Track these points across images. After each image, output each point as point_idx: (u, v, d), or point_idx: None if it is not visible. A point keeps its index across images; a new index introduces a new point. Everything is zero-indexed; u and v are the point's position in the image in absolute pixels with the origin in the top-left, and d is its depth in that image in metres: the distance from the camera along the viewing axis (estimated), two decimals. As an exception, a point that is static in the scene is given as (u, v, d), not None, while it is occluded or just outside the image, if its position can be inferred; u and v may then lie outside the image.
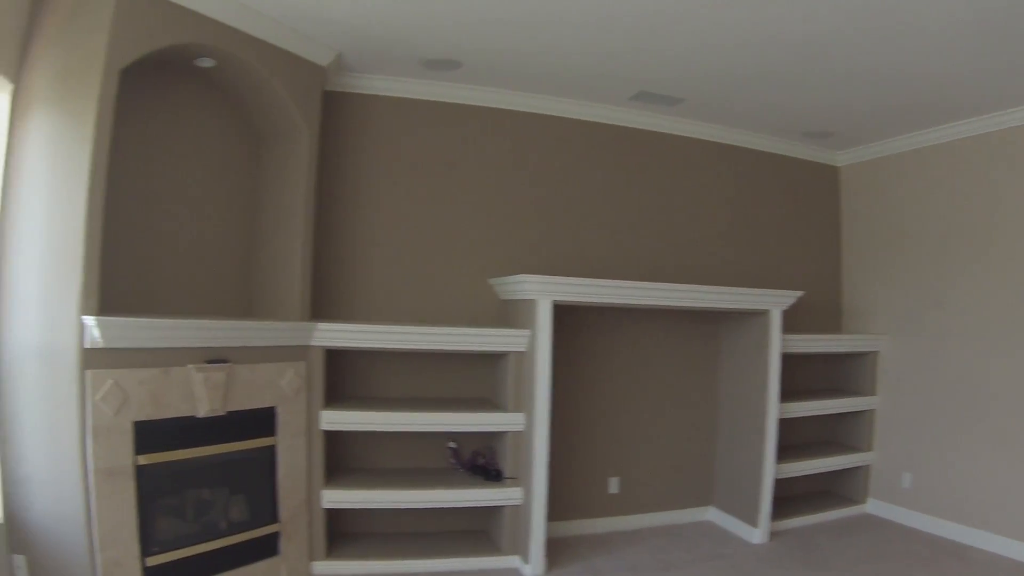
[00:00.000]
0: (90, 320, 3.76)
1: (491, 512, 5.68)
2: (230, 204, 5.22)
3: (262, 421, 4.74)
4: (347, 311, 5.65)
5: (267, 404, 4.76)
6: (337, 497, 5.10)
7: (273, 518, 4.81)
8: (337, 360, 5.42)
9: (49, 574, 3.90)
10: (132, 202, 4.64)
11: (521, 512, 5.38)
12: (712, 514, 6.73)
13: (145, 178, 4.76)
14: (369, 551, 5.29)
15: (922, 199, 6.68)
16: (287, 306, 5.04)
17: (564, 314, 5.74)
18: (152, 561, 4.07)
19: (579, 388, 6.20)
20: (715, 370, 6.79)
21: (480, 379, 5.94)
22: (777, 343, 6.07)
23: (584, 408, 6.25)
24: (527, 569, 5.27)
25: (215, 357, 4.41)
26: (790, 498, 6.84)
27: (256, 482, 4.78)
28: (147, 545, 4.05)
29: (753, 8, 4.28)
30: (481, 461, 5.62)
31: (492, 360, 5.87)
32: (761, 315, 6.14)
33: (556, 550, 5.64)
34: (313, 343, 5.04)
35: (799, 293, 6.18)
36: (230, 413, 4.51)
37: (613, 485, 6.37)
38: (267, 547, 4.77)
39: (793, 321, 6.42)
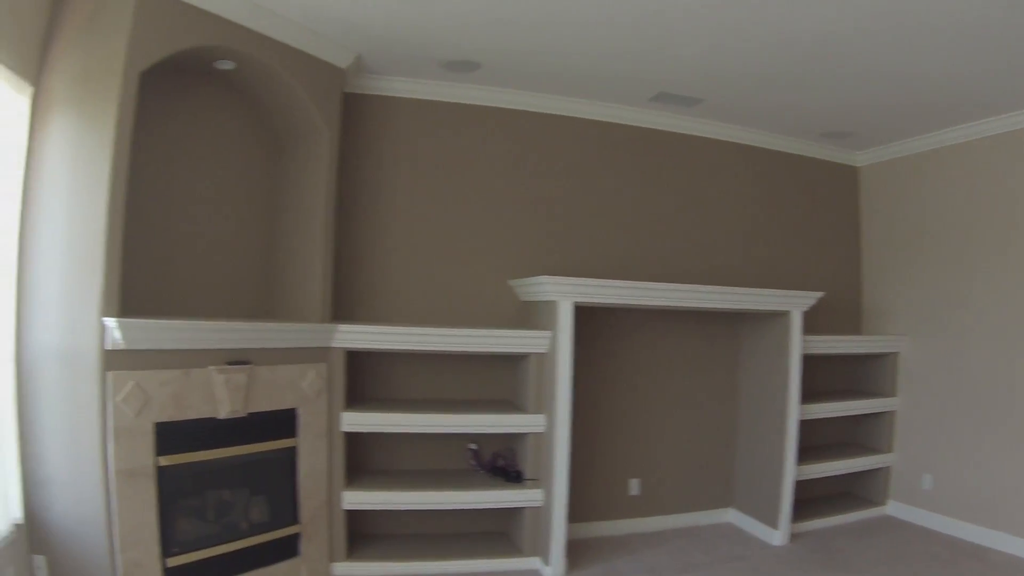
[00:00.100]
0: (111, 322, 3.73)
1: (511, 514, 5.61)
2: (250, 206, 5.19)
3: (283, 422, 4.69)
4: (367, 312, 5.59)
5: (288, 405, 4.70)
6: (358, 498, 5.05)
7: (294, 519, 4.75)
8: (358, 361, 5.36)
9: (69, 575, 3.86)
10: (152, 204, 4.62)
11: (541, 514, 5.31)
12: (732, 516, 6.62)
13: (165, 180, 4.74)
14: (389, 552, 5.23)
15: (941, 199, 6.56)
16: (307, 308, 4.99)
17: (584, 315, 5.65)
18: (173, 562, 4.04)
19: (599, 389, 6.12)
20: (735, 371, 6.68)
21: (501, 380, 5.87)
22: (797, 344, 5.97)
23: (604, 409, 6.16)
24: (548, 571, 5.20)
25: (236, 358, 4.37)
26: (810, 500, 6.72)
27: (277, 483, 4.72)
28: (168, 546, 4.03)
29: (772, 8, 4.20)
30: (501, 463, 5.55)
31: (513, 361, 5.80)
32: (781, 316, 6.04)
33: (576, 552, 5.56)
34: (334, 344, 4.98)
35: (819, 294, 6.07)
36: (251, 414, 4.46)
37: (633, 487, 6.28)
38: (287, 548, 4.72)
39: (813, 322, 6.29)
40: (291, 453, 4.75)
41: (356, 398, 5.36)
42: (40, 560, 3.90)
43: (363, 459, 5.47)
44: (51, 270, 3.93)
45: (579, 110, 6.14)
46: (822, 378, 6.94)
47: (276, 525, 4.67)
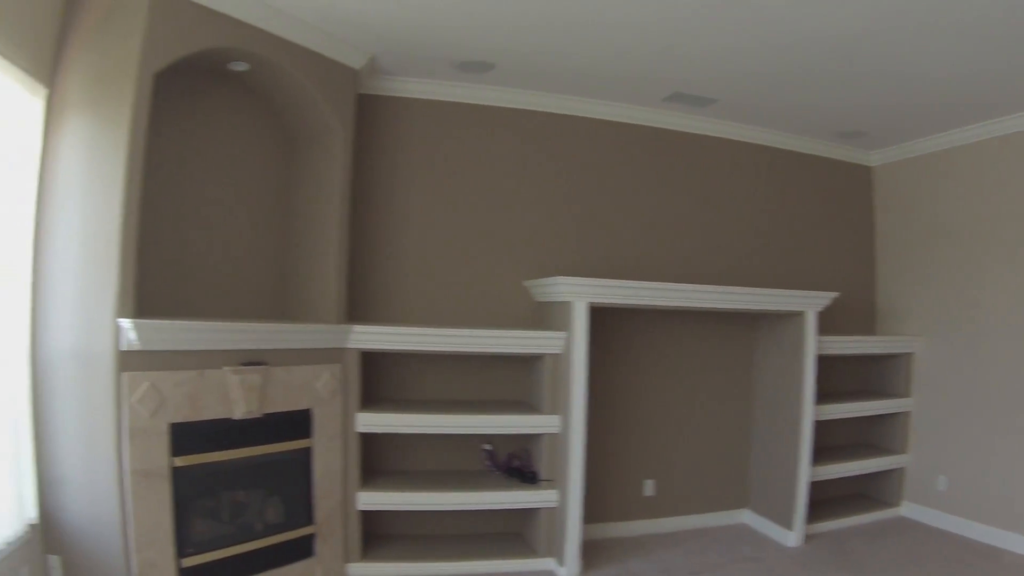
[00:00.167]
0: (126, 323, 3.70)
1: (526, 514, 5.54)
2: (264, 207, 5.15)
3: (298, 423, 4.65)
4: (382, 313, 5.54)
5: (303, 406, 4.66)
6: (373, 499, 5.00)
7: (309, 520, 4.70)
8: (373, 362, 5.31)
9: (84, 575, 3.84)
10: (166, 205, 4.58)
11: (556, 514, 5.25)
12: (747, 517, 6.54)
13: (179, 181, 4.70)
14: (404, 553, 5.18)
15: (956, 199, 6.45)
16: (322, 308, 4.95)
17: (599, 316, 5.58)
18: (188, 562, 4.02)
19: (614, 390, 6.05)
20: (750, 372, 6.60)
21: (516, 381, 5.81)
22: (812, 345, 5.88)
23: (619, 410, 6.09)
24: (562, 572, 5.14)
25: (251, 359, 4.33)
26: (825, 501, 6.63)
27: (292, 484, 4.68)
28: (183, 546, 4.00)
29: (786, 8, 4.14)
30: (516, 463, 5.49)
31: (528, 362, 5.74)
32: (796, 316, 5.96)
33: (591, 552, 5.49)
34: (349, 345, 4.93)
35: (834, 294, 5.98)
36: (266, 415, 4.42)
37: (648, 487, 6.20)
38: (302, 549, 4.67)
39: (827, 322, 6.19)
40: (306, 454, 4.70)
41: (371, 399, 5.30)
42: (55, 560, 3.87)
43: (378, 460, 5.41)
44: (66, 271, 3.90)
45: (593, 110, 6.07)
46: (836, 379, 6.83)
47: (291, 526, 4.63)
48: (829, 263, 7.08)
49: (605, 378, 5.91)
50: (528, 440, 5.58)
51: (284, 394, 4.53)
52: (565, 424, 5.19)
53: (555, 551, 5.26)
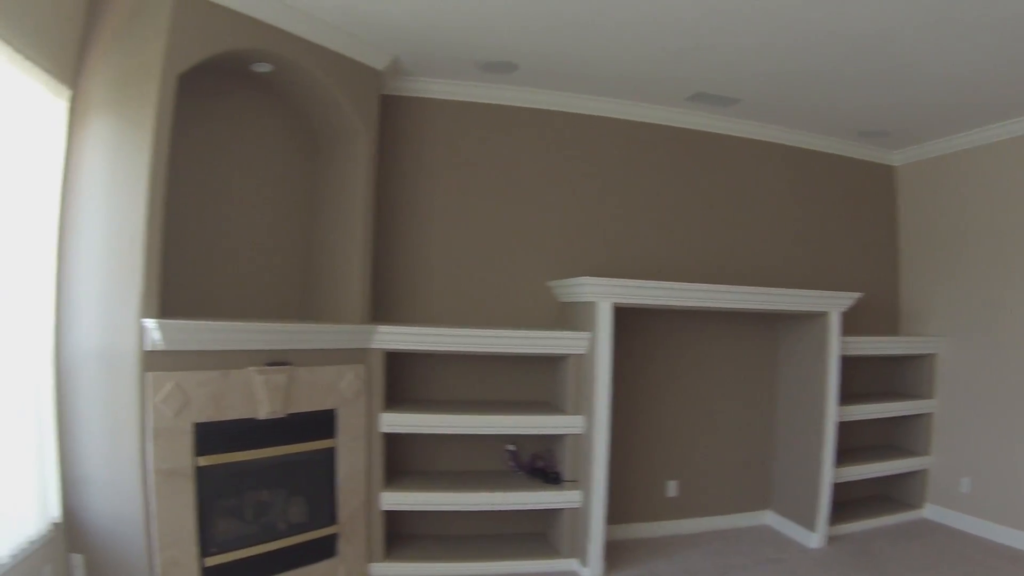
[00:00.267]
0: (150, 323, 3.65)
1: (550, 515, 5.45)
2: (288, 207, 5.09)
3: (322, 423, 4.58)
4: (406, 313, 5.47)
5: (327, 406, 4.59)
6: (396, 499, 4.92)
7: (332, 520, 4.63)
8: (396, 362, 5.23)
9: (107, 573, 3.80)
10: (190, 206, 4.53)
11: (580, 515, 5.15)
12: (770, 518, 6.39)
13: (203, 182, 4.64)
14: (427, 553, 5.10)
15: (980, 198, 6.27)
16: (346, 309, 4.87)
17: (623, 316, 5.48)
18: (211, 561, 3.97)
19: (638, 390, 5.93)
20: (773, 372, 6.45)
21: (539, 382, 5.71)
22: (836, 345, 5.74)
23: (643, 410, 5.98)
24: (586, 572, 5.04)
25: (275, 359, 4.26)
26: (848, 502, 6.47)
27: (315, 484, 4.60)
28: (206, 546, 3.95)
29: (809, 7, 4.05)
30: (540, 464, 5.39)
31: (551, 363, 5.64)
32: (820, 317, 5.82)
33: (615, 553, 5.39)
34: (373, 346, 4.86)
35: (858, 295, 5.83)
36: (290, 415, 4.36)
37: (671, 488, 6.08)
38: (325, 548, 4.60)
39: (851, 323, 6.03)
40: (330, 454, 4.63)
41: (395, 399, 5.22)
42: (78, 559, 3.83)
43: (402, 460, 5.33)
44: (90, 272, 3.85)
45: (616, 110, 5.96)
46: (859, 379, 6.67)
47: (314, 525, 4.56)
48: (852, 263, 6.91)
49: (628, 379, 5.81)
50: (551, 440, 5.48)
51: (308, 394, 4.46)
52: (589, 424, 5.09)
53: (578, 552, 5.16)
